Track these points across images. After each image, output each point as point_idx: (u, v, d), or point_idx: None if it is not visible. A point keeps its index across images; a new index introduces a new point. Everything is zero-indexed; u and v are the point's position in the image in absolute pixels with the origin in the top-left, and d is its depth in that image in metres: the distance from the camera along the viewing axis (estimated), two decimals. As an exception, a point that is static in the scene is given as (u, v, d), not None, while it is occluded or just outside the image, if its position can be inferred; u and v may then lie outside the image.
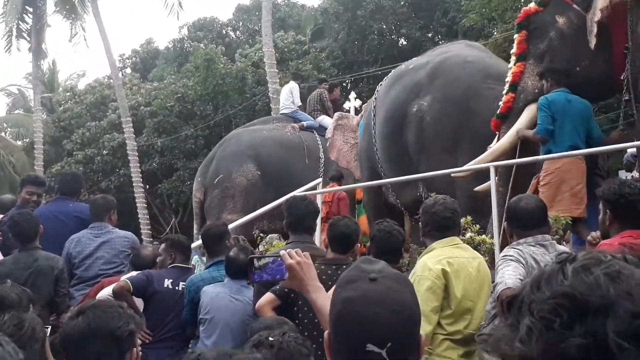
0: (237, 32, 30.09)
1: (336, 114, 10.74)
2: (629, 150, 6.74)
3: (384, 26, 21.84)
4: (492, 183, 5.51)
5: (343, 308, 1.49)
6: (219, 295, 4.40)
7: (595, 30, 5.74)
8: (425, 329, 3.34)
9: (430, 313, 3.43)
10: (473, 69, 7.44)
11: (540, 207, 3.62)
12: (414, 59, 8.98)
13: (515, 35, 6.49)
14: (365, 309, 1.44)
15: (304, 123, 11.36)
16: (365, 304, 1.44)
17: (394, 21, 21.54)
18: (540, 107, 5.81)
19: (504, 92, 6.42)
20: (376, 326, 1.42)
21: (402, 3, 21.35)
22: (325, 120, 11.25)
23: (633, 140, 5.82)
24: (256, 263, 2.22)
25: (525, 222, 3.54)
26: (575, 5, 6.06)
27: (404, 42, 22.61)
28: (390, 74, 9.13)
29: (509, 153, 6.12)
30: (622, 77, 5.73)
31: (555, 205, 5.23)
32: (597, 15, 5.72)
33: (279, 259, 2.20)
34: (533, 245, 3.44)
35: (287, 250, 2.22)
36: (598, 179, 6.05)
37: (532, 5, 6.42)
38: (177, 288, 4.74)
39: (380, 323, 1.42)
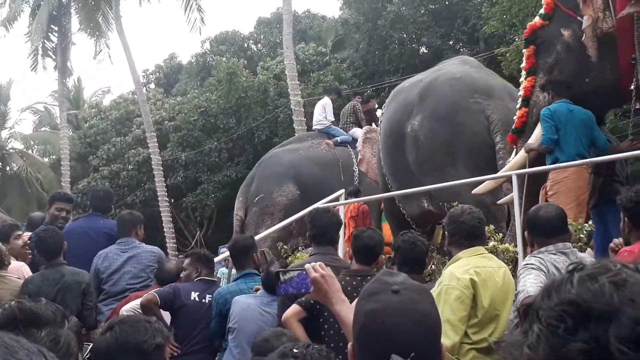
0: (259, 45, 30.30)
1: (365, 128, 11.05)
2: None
3: (405, 35, 21.85)
4: (514, 192, 5.51)
5: (367, 320, 1.54)
6: (250, 307, 4.45)
7: (590, 44, 5.85)
8: (452, 338, 3.36)
9: (458, 322, 3.43)
10: (460, 85, 7.70)
11: (561, 216, 3.62)
12: (414, 77, 9.38)
13: (524, 50, 6.59)
14: (389, 320, 1.49)
15: (338, 139, 11.58)
16: (388, 316, 1.50)
17: (415, 30, 21.54)
18: (543, 118, 5.89)
19: (517, 106, 6.54)
20: (399, 337, 1.47)
21: (422, 12, 21.37)
22: (358, 132, 11.56)
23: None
24: (282, 277, 2.28)
25: (546, 231, 3.55)
26: (579, 18, 6.09)
27: (425, 51, 22.58)
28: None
29: (525, 166, 6.17)
30: (631, 87, 5.76)
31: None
32: (585, 35, 5.85)
33: (304, 273, 2.25)
34: (554, 254, 3.44)
35: (312, 264, 2.27)
36: (617, 186, 6.08)
37: (537, 19, 6.51)
38: (204, 300, 4.80)
39: (403, 334, 1.47)
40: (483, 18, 17.77)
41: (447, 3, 21.92)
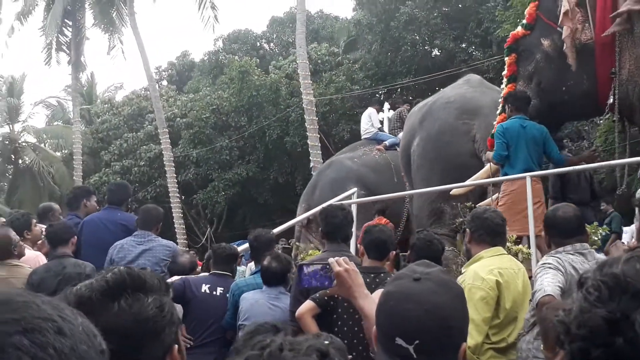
0: (271, 44, 30.35)
1: (401, 133, 11.23)
2: None
3: (417, 37, 21.81)
4: (528, 193, 5.51)
5: (383, 301, 1.58)
6: (259, 302, 4.46)
7: (570, 54, 6.07)
8: (476, 338, 3.36)
9: (481, 323, 3.43)
10: (451, 108, 8.28)
11: (578, 216, 3.63)
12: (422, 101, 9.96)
13: (506, 58, 6.84)
14: (398, 304, 1.52)
15: (387, 142, 12.00)
16: (399, 300, 1.52)
17: (427, 32, 21.51)
18: (496, 135, 6.11)
19: (497, 112, 6.85)
20: (405, 322, 1.48)
21: (435, 14, 21.33)
22: None
23: (602, 159, 6.11)
24: (305, 270, 2.28)
25: (563, 231, 3.55)
26: (559, 29, 6.29)
27: (437, 53, 22.55)
28: None
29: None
30: (609, 100, 5.93)
31: (511, 225, 5.23)
32: (566, 44, 6.05)
33: (327, 267, 2.25)
34: (572, 254, 3.44)
35: (335, 258, 2.27)
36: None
37: (519, 29, 6.77)
38: (214, 293, 4.81)
39: (409, 319, 1.48)
40: (496, 21, 17.75)
41: (460, 6, 21.88)
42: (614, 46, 5.93)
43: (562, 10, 6.14)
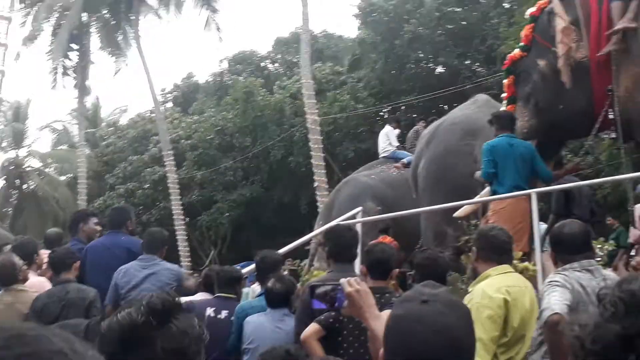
0: (276, 65, 30.53)
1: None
2: None
3: (422, 55, 21.90)
4: (534, 210, 5.48)
5: (391, 324, 1.57)
6: (263, 325, 4.42)
7: (564, 71, 6.12)
8: (484, 358, 3.32)
9: (489, 342, 3.39)
10: (456, 129, 8.47)
11: (584, 232, 3.59)
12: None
13: (504, 81, 6.95)
14: (407, 326, 1.50)
15: (404, 160, 11.90)
16: (408, 322, 1.51)
17: (431, 49, 21.59)
18: (483, 153, 6.12)
19: None
20: (414, 344, 1.47)
21: (439, 31, 21.40)
22: None
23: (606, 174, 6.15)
24: (315, 290, 2.27)
25: (570, 248, 3.51)
26: (554, 49, 6.35)
27: (442, 70, 22.61)
28: None
29: None
30: (608, 115, 5.98)
31: None
32: (560, 61, 6.11)
33: (339, 287, 2.24)
34: (579, 271, 3.40)
35: (347, 279, 2.25)
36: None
37: (516, 51, 6.85)
38: (219, 316, 4.77)
39: (419, 341, 1.47)
40: (500, 38, 17.80)
41: (464, 23, 21.95)
42: (610, 64, 5.96)
43: (558, 28, 6.17)
